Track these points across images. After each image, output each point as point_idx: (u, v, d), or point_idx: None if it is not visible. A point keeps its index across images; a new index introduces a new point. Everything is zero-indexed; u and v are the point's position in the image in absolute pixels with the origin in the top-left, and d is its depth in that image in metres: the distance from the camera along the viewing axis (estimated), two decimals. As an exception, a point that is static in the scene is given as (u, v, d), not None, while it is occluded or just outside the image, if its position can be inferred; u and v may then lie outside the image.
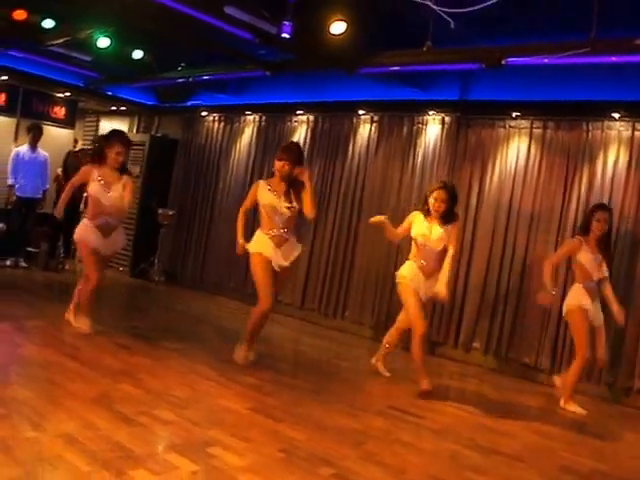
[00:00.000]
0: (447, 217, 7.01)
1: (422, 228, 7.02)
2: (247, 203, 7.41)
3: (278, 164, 7.12)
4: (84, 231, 7.38)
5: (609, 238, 7.35)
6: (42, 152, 11.71)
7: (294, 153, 7.19)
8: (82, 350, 6.79)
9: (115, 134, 7.65)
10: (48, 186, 11.87)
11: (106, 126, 15.36)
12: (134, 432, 4.47)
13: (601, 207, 7.37)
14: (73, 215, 11.07)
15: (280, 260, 7.03)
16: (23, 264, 11.51)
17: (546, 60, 7.23)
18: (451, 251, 6.94)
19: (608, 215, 7.26)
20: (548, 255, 8.08)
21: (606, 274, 7.20)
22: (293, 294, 10.97)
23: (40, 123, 11.99)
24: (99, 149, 7.47)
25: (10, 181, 11.42)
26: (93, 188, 7.32)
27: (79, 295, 7.53)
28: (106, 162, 7.35)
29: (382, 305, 9.85)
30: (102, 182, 7.28)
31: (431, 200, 6.99)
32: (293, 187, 7.06)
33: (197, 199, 12.89)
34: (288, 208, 7.01)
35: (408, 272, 7.02)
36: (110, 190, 7.29)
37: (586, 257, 7.17)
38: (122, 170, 7.45)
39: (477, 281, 9.09)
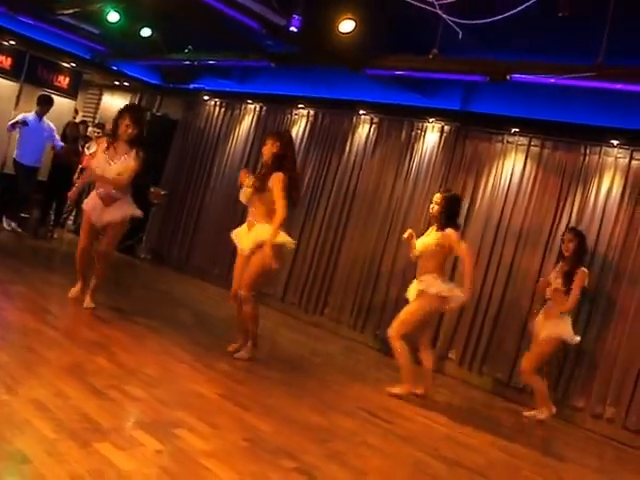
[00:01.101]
0: (442, 222, 7.03)
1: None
2: None
3: None
4: (88, 198, 7.47)
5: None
6: (48, 123, 11.64)
7: None
8: (61, 319, 6.81)
9: (128, 107, 7.68)
10: (61, 144, 11.91)
11: (108, 100, 15.38)
12: (103, 405, 4.48)
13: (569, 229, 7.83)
14: (66, 183, 11.07)
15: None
16: (17, 229, 11.46)
17: (551, 80, 7.26)
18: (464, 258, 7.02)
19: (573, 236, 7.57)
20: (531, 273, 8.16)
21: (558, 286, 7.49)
22: (275, 286, 10.98)
23: (51, 95, 11.91)
24: (114, 122, 7.50)
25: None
26: (97, 158, 7.35)
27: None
28: (118, 135, 7.39)
29: (362, 305, 9.87)
30: (107, 153, 7.30)
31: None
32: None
33: (190, 182, 12.88)
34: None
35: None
36: (113, 162, 7.29)
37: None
38: (132, 143, 7.41)
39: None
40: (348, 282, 10.18)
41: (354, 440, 5.31)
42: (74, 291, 7.54)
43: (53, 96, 11.92)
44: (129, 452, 3.83)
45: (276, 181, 6.76)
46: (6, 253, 9.99)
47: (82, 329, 6.49)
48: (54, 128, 11.70)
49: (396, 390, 6.97)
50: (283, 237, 6.76)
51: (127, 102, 14.64)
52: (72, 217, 13.96)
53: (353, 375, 7.51)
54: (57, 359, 5.27)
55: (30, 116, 11.42)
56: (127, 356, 5.88)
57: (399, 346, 6.91)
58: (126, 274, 11.35)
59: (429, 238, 7.07)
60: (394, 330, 6.94)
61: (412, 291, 7.10)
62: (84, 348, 5.78)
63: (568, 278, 7.40)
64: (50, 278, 7.76)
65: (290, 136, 7.41)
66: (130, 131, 7.35)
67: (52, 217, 12.20)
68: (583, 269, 7.44)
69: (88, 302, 7.30)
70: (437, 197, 7.13)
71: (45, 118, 11.57)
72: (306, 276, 10.72)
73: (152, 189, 12.43)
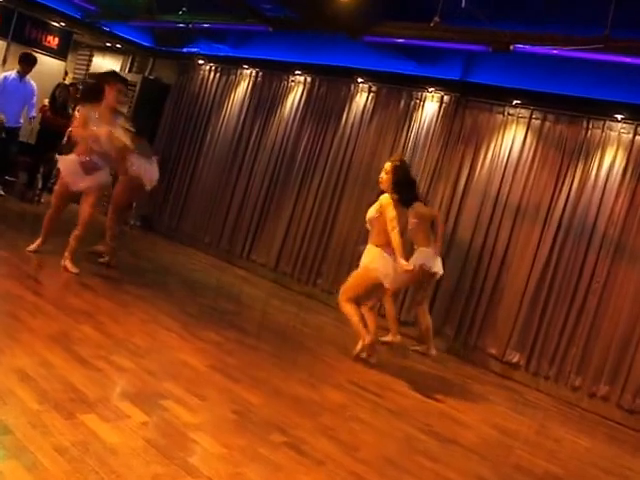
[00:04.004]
0: (393, 191, 6.88)
1: None
2: None
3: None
4: (67, 162, 7.36)
5: None
6: (30, 82, 11.44)
7: None
8: (46, 286, 6.75)
9: (115, 74, 7.61)
10: (35, 114, 11.65)
11: (99, 62, 15.23)
12: (89, 375, 4.43)
13: None
14: (54, 147, 10.96)
15: None
16: (1, 192, 11.36)
17: (555, 51, 7.19)
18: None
19: None
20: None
21: None
22: (268, 255, 10.96)
23: (33, 53, 11.74)
24: (98, 87, 7.39)
25: None
26: (91, 130, 7.24)
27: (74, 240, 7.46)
28: (102, 101, 7.29)
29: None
30: (97, 122, 7.21)
31: None
32: None
33: (183, 148, 12.81)
34: None
35: None
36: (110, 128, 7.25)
37: None
38: (116, 111, 7.39)
39: (455, 267, 9.10)
40: (342, 253, 10.16)
41: (344, 414, 5.29)
42: (34, 247, 7.60)
43: (42, 57, 11.78)
44: (114, 424, 3.79)
45: None
46: (-8, 217, 9.92)
47: (68, 297, 6.44)
48: (35, 89, 11.46)
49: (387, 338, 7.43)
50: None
51: (119, 64, 14.57)
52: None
53: (344, 348, 7.48)
54: (42, 327, 5.21)
55: (11, 75, 11.25)
56: (114, 325, 5.84)
57: (347, 309, 6.98)
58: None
59: (372, 208, 6.99)
60: (340, 292, 7.10)
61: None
62: (70, 316, 5.73)
63: None
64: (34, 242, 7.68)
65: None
66: (121, 99, 7.35)
67: (40, 181, 12.09)
68: None
69: (72, 267, 7.25)
70: (387, 165, 6.96)
71: (29, 78, 11.37)
72: (300, 246, 10.70)
73: (143, 154, 12.33)
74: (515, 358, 8.48)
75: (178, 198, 12.70)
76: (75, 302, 6.26)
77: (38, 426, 3.50)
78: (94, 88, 7.48)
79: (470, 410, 6.49)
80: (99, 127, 7.18)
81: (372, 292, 7.07)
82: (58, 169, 7.61)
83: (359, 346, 6.99)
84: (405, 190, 6.85)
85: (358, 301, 7.01)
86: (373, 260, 6.77)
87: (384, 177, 6.90)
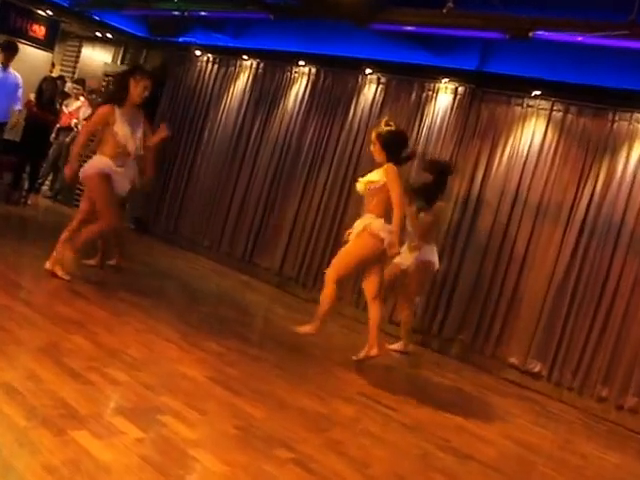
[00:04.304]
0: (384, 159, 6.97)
1: None
2: None
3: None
4: (102, 163, 7.26)
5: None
6: (14, 73, 11.41)
7: None
8: (34, 294, 6.75)
9: (141, 68, 7.67)
10: (20, 107, 11.64)
11: (88, 53, 15.23)
12: (81, 389, 4.43)
13: None
14: (42, 144, 10.96)
15: None
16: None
17: (578, 38, 7.16)
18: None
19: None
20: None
21: None
22: (271, 259, 10.96)
23: (15, 41, 11.73)
24: (123, 83, 7.38)
25: None
26: (122, 130, 7.23)
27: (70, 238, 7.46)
28: (128, 99, 7.32)
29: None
30: (127, 123, 7.25)
31: None
32: None
33: (179, 144, 12.79)
34: None
35: None
36: (136, 132, 7.32)
37: None
38: (139, 107, 7.45)
39: (470, 270, 9.09)
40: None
41: (355, 429, 5.29)
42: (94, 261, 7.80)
43: (28, 48, 11.76)
44: (108, 441, 3.79)
45: None
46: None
47: (58, 305, 6.43)
48: (20, 82, 11.40)
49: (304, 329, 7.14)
50: None
51: (110, 56, 14.55)
52: (48, 182, 13.90)
53: (352, 357, 7.47)
54: (30, 338, 5.22)
55: None
56: (108, 335, 5.84)
57: (331, 292, 7.01)
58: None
59: (369, 176, 7.00)
60: (331, 266, 7.04)
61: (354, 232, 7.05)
62: (60, 326, 5.73)
63: None
64: (23, 249, 7.70)
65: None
66: (147, 94, 7.37)
67: (26, 182, 12.09)
68: None
69: (63, 274, 7.26)
70: (372, 136, 7.03)
71: (11, 68, 11.32)
72: (305, 248, 10.68)
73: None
74: (536, 367, 8.45)
75: (175, 198, 12.70)
76: (66, 311, 6.26)
77: (26, 444, 3.50)
78: (120, 86, 7.43)
79: (489, 423, 6.48)
80: (123, 127, 7.21)
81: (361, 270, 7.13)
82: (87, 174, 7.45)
83: (303, 328, 7.14)
84: (398, 150, 6.98)
85: (342, 282, 7.09)
86: (382, 228, 6.76)
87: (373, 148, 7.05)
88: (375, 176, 6.87)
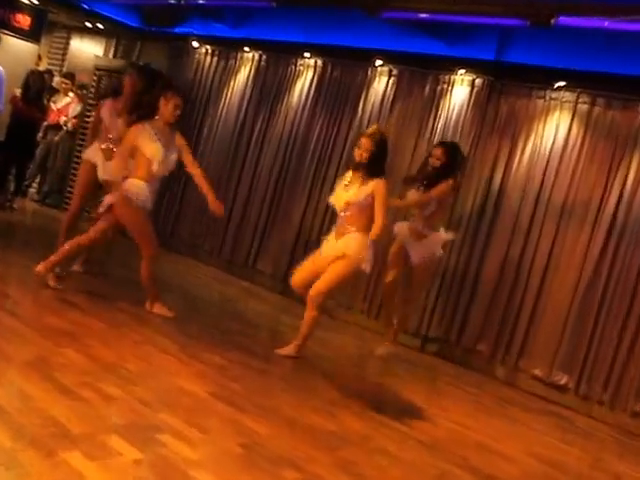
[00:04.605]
0: (370, 169, 6.99)
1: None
2: None
3: None
4: (142, 190, 7.25)
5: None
6: None
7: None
8: (23, 305, 6.75)
9: (170, 84, 7.61)
10: (2, 107, 11.62)
11: (77, 45, 15.20)
12: (73, 407, 4.41)
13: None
14: (28, 143, 10.94)
15: None
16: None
17: (605, 24, 7.13)
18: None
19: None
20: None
21: None
22: (276, 265, 10.94)
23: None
24: (152, 101, 7.35)
25: None
26: (154, 150, 7.19)
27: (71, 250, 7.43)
28: (156, 115, 7.30)
29: (377, 288, 9.78)
30: (161, 142, 7.24)
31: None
32: None
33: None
34: None
35: None
36: (170, 152, 7.33)
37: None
38: (172, 125, 7.46)
39: (490, 276, 9.06)
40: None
41: (368, 447, 5.26)
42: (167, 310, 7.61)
43: (11, 39, 11.72)
44: (102, 462, 3.77)
45: None
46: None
47: (48, 316, 6.42)
48: (3, 76, 11.35)
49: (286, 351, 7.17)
50: None
51: (101, 48, 14.53)
52: (36, 184, 13.89)
53: (365, 369, 7.47)
54: (18, 352, 5.21)
55: None
56: (102, 348, 5.83)
57: (319, 312, 7.03)
58: (101, 250, 11.27)
59: (359, 189, 6.96)
60: (319, 291, 6.97)
61: (334, 246, 7.08)
62: (51, 339, 5.72)
63: None
64: (9, 257, 7.69)
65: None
66: (178, 113, 7.36)
67: (12, 184, 12.08)
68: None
69: (54, 284, 7.26)
70: (364, 141, 6.98)
71: None
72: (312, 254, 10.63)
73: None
74: (562, 380, 8.41)
75: (173, 201, 12.68)
76: (57, 322, 6.25)
77: (13, 467, 3.48)
78: (148, 103, 7.39)
79: (512, 440, 6.46)
80: (154, 145, 7.20)
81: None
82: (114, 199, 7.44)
83: (285, 350, 7.19)
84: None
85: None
86: (365, 250, 6.87)
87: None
88: (365, 190, 6.90)
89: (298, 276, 7.26)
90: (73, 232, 7.87)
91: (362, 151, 6.93)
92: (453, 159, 7.97)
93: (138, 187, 7.16)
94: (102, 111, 8.20)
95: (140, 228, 7.35)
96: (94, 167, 8.06)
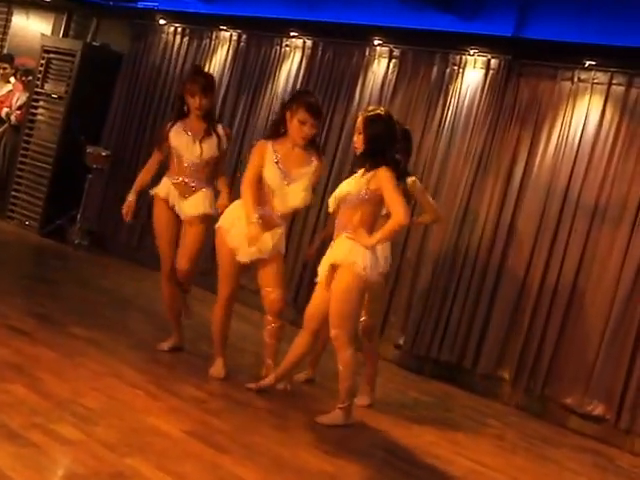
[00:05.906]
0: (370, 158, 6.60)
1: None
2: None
3: None
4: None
5: None
6: None
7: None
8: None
9: (303, 94, 7.50)
10: None
11: (20, 23, 15.09)
12: (20, 454, 4.36)
13: None
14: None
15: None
16: None
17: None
18: None
19: None
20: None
21: None
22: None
23: None
24: (280, 116, 7.11)
25: None
26: (273, 174, 6.98)
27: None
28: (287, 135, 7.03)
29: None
30: (281, 165, 6.98)
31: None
32: None
33: (142, 139, 12.76)
34: None
35: None
36: (291, 180, 7.01)
37: None
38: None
39: (511, 289, 9.05)
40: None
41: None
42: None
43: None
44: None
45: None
46: None
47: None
48: None
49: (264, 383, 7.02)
50: None
51: (49, 26, 14.45)
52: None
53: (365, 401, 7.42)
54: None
55: None
56: (56, 381, 5.81)
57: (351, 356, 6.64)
58: (54, 267, 11.28)
59: (352, 183, 6.64)
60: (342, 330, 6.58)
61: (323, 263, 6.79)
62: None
63: None
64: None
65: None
66: (313, 132, 6.99)
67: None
68: None
69: None
70: (359, 122, 6.63)
71: None
72: (302, 266, 10.62)
73: (89, 149, 12.28)
74: (598, 409, 8.37)
75: (139, 206, 12.57)
76: (1, 353, 6.20)
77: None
78: (276, 120, 7.31)
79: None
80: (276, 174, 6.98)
81: None
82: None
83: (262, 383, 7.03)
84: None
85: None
86: (358, 255, 6.42)
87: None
88: (359, 184, 6.52)
89: (312, 306, 6.94)
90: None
91: (356, 136, 6.64)
92: None
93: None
94: None
95: None
96: None
